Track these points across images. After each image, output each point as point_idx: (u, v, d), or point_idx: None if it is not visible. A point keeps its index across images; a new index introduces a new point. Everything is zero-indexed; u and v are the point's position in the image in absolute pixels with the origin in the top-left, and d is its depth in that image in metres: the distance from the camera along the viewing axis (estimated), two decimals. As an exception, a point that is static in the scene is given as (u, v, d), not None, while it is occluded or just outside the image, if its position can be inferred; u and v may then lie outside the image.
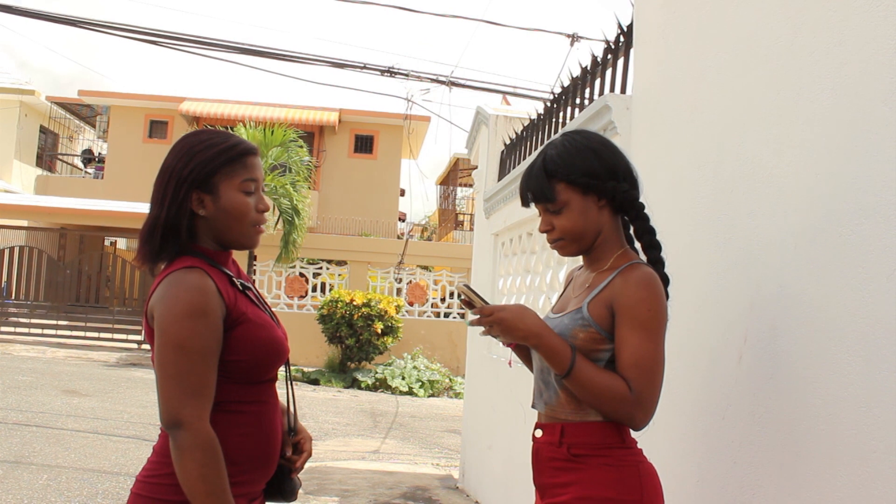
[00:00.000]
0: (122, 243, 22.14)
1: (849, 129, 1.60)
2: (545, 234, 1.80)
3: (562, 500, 1.67)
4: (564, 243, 1.77)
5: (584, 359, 1.64)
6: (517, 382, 4.10)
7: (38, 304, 15.81)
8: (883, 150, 1.49)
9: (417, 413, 10.65)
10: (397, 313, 13.83)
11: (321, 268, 15.61)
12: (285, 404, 1.82)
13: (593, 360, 1.66)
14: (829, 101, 1.67)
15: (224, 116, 19.50)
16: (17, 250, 15.78)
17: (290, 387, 1.87)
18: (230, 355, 1.63)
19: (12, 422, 7.22)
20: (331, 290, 14.96)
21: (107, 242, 21.60)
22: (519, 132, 5.13)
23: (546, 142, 3.71)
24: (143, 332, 8.82)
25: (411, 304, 15.63)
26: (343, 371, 13.58)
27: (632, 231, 1.82)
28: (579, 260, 1.88)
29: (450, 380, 13.36)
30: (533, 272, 4.48)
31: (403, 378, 12.88)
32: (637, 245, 1.82)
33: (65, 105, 23.88)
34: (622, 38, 3.28)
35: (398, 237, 20.10)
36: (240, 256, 12.22)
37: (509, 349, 1.93)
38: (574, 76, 3.95)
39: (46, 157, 23.81)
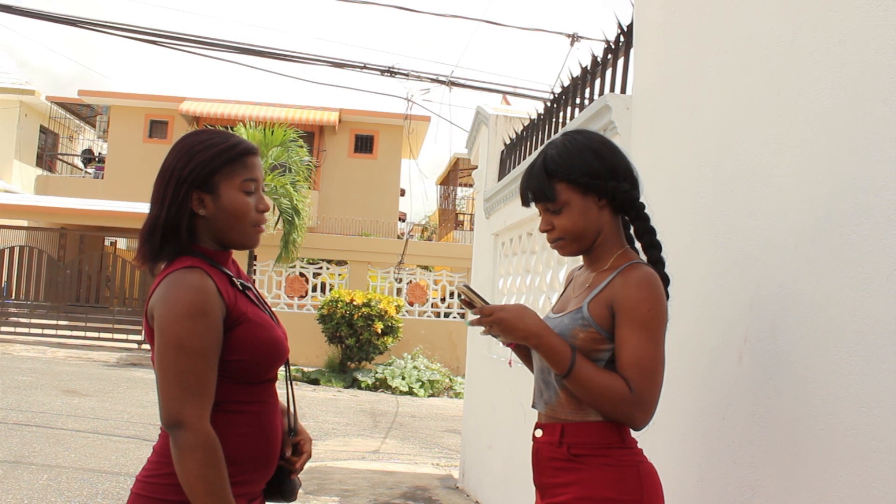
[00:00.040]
0: (122, 243, 22.15)
1: (849, 129, 1.60)
2: (545, 234, 1.80)
3: (562, 500, 1.67)
4: (564, 243, 1.77)
5: (584, 359, 1.64)
6: (517, 382, 4.10)
7: (38, 304, 15.81)
8: (883, 149, 1.49)
9: (417, 413, 10.65)
10: (397, 313, 13.84)
11: (321, 268, 15.62)
12: (285, 405, 1.82)
13: (593, 360, 1.66)
14: (829, 101, 1.67)
15: (224, 116, 19.50)
16: (17, 250, 15.79)
17: (289, 387, 1.87)
18: (230, 355, 1.63)
19: (12, 422, 7.22)
20: (331, 290, 14.96)
21: (107, 242, 21.61)
22: (519, 132, 5.13)
23: (546, 142, 3.71)
24: (143, 332, 8.82)
25: (411, 304, 15.63)
26: (343, 371, 13.58)
27: (632, 231, 1.82)
28: (579, 260, 1.88)
29: (450, 380, 13.36)
30: (533, 272, 4.48)
31: (403, 378, 12.89)
32: (637, 245, 1.82)
33: (65, 105, 23.89)
34: (622, 38, 3.28)
35: (398, 237, 20.11)
36: (240, 256, 12.22)
37: (509, 349, 1.93)
38: (574, 76, 3.95)
39: (46, 157, 23.81)
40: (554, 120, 4.26)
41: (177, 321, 1.56)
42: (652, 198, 1.95)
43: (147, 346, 9.45)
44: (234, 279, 1.71)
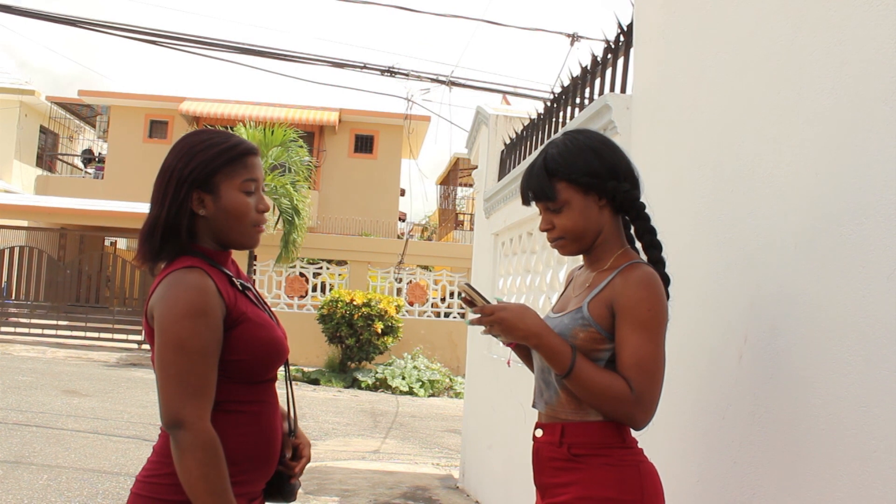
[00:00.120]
0: (122, 243, 22.15)
1: (849, 129, 1.60)
2: (545, 234, 1.80)
3: (562, 500, 1.67)
4: (564, 242, 1.77)
5: (584, 359, 1.63)
6: (517, 382, 4.10)
7: (38, 304, 15.81)
8: (883, 149, 1.49)
9: (417, 413, 10.65)
10: (397, 313, 13.84)
11: (321, 268, 15.61)
12: (285, 408, 1.82)
13: (593, 360, 1.66)
14: (829, 100, 1.67)
15: (224, 116, 19.51)
16: (17, 250, 15.79)
17: (289, 387, 1.87)
18: (230, 355, 1.63)
19: (12, 422, 7.22)
20: (331, 289, 14.96)
21: (107, 242, 21.61)
22: (519, 132, 5.13)
23: (546, 141, 3.71)
24: (143, 332, 8.81)
25: (411, 303, 15.63)
26: (343, 371, 13.58)
27: (632, 231, 1.82)
28: (580, 259, 1.88)
29: (450, 379, 13.36)
30: (533, 272, 4.48)
31: (404, 378, 12.89)
32: (638, 245, 1.82)
33: (65, 105, 23.89)
34: (622, 38, 3.28)
35: (398, 237, 20.11)
36: (240, 256, 12.22)
37: (509, 349, 1.93)
38: (574, 76, 3.95)
39: (46, 157, 23.81)
40: (554, 120, 4.26)
41: (177, 321, 1.56)
42: (652, 198, 1.95)
43: (147, 346, 9.45)
44: (233, 279, 1.71)
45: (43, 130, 23.29)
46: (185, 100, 20.37)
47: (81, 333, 14.90)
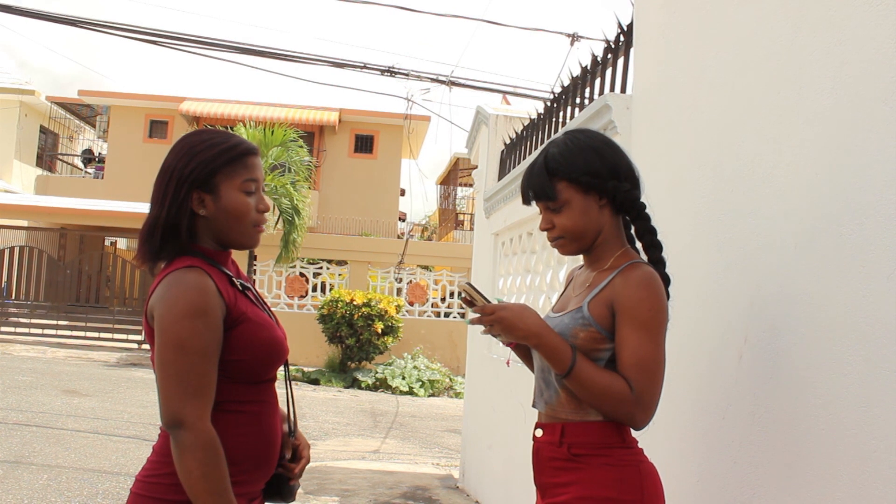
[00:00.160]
0: (122, 243, 22.15)
1: (849, 129, 1.60)
2: (546, 233, 1.80)
3: (562, 500, 1.67)
4: (565, 242, 1.77)
5: (584, 358, 1.64)
6: (517, 382, 4.10)
7: (38, 304, 15.81)
8: (883, 149, 1.49)
9: (418, 413, 10.65)
10: (397, 313, 13.83)
11: (321, 268, 15.61)
12: (285, 410, 1.82)
13: (593, 360, 1.66)
14: (829, 100, 1.67)
15: (224, 116, 19.51)
16: (17, 250, 15.78)
17: (289, 387, 1.87)
18: (230, 355, 1.63)
19: (12, 422, 7.22)
20: (331, 289, 14.96)
21: (107, 242, 21.61)
22: (519, 132, 5.13)
23: (546, 141, 3.71)
24: (143, 332, 8.82)
25: (411, 303, 15.63)
26: (343, 371, 13.58)
27: (633, 231, 1.82)
28: (580, 259, 1.88)
29: (450, 379, 13.36)
30: (533, 272, 4.48)
31: (404, 378, 12.89)
32: (638, 245, 1.82)
33: (65, 105, 23.89)
34: (622, 38, 3.28)
35: (398, 237, 20.11)
36: (240, 256, 12.22)
37: (509, 348, 1.93)
38: (574, 76, 3.95)
39: (46, 157, 23.81)
40: (554, 119, 4.26)
41: (177, 321, 1.56)
42: (652, 198, 1.95)
43: (147, 346, 9.44)
44: (233, 279, 1.71)
45: (43, 130, 23.29)
46: (185, 100, 20.37)
47: (81, 333, 14.90)
